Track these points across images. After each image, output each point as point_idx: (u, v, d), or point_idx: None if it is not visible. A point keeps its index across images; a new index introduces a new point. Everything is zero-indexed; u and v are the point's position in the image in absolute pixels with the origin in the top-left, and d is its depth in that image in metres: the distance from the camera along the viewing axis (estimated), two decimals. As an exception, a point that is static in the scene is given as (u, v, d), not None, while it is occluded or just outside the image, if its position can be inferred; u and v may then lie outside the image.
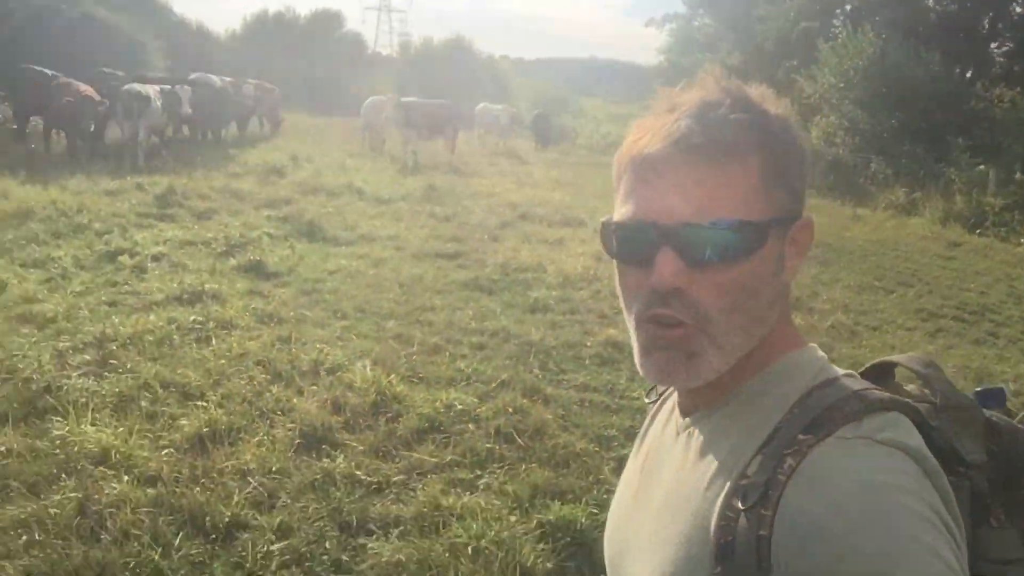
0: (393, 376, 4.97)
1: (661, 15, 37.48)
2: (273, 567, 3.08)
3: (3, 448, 3.77)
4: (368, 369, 5.02)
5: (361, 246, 8.94)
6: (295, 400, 4.60)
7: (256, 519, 3.39)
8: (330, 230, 9.56)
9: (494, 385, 5.09)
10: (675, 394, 0.97)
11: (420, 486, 3.82)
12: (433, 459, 4.08)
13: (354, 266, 7.99)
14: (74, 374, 4.69)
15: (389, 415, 4.54)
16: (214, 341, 5.46)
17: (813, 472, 0.74)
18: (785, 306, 0.90)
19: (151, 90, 14.60)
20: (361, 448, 4.14)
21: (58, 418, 4.08)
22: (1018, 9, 23.17)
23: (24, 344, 5.10)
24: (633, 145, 0.86)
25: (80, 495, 3.38)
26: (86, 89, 14.16)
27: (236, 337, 5.55)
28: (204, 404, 4.37)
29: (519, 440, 4.34)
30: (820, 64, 18.93)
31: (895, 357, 0.94)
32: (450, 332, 6.15)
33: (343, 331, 6.00)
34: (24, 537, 3.14)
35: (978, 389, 0.93)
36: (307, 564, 3.16)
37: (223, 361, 5.08)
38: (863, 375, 0.92)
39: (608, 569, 1.00)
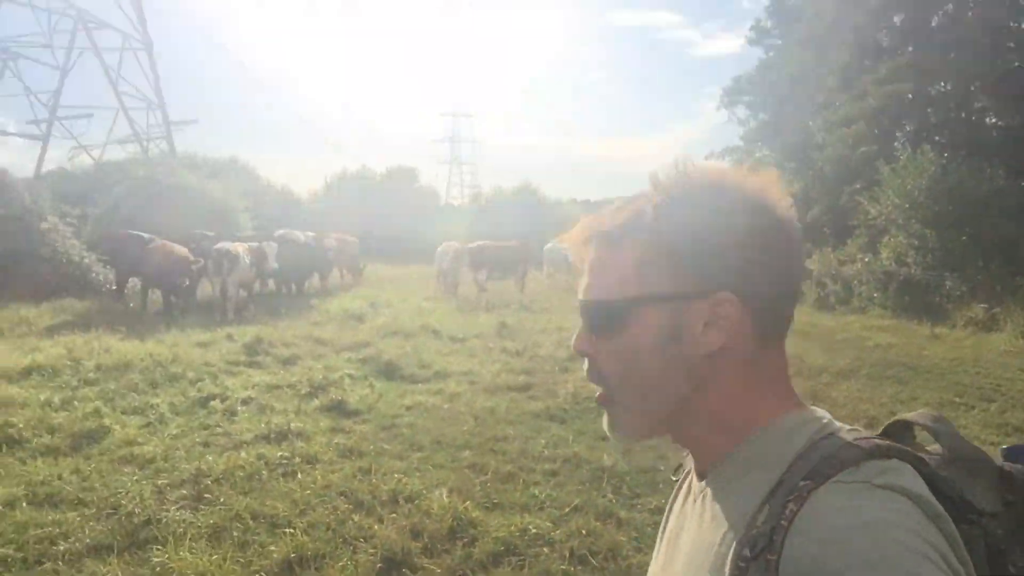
0: (468, 503, 5.14)
1: (720, 149, 38.27)
2: None
3: (109, 574, 4.05)
4: (445, 496, 5.20)
5: (436, 382, 9.26)
6: (376, 527, 4.80)
7: (341, 637, 3.54)
8: (407, 369, 9.93)
9: (568, 509, 5.20)
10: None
11: (497, 606, 3.93)
12: (509, 579, 4.19)
13: (430, 401, 8.28)
14: (172, 508, 5.01)
15: (465, 540, 4.69)
16: (300, 475, 5.75)
17: (813, 515, 0.77)
18: (746, 374, 0.93)
19: (240, 248, 15.64)
20: (439, 571, 4.29)
21: (158, 547, 4.37)
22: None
23: (126, 482, 5.47)
24: (569, 238, 1.02)
25: (179, 616, 3.61)
26: (180, 250, 15.27)
27: (320, 471, 5.83)
28: (292, 531, 4.60)
29: (593, 561, 4.42)
30: (883, 186, 19.09)
31: (908, 415, 0.96)
32: (523, 460, 6.31)
33: (420, 462, 6.22)
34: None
35: (1005, 447, 0.95)
36: None
37: (308, 492, 5.35)
38: (882, 434, 0.95)
39: None
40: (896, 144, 21.85)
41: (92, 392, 8.12)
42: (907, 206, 18.30)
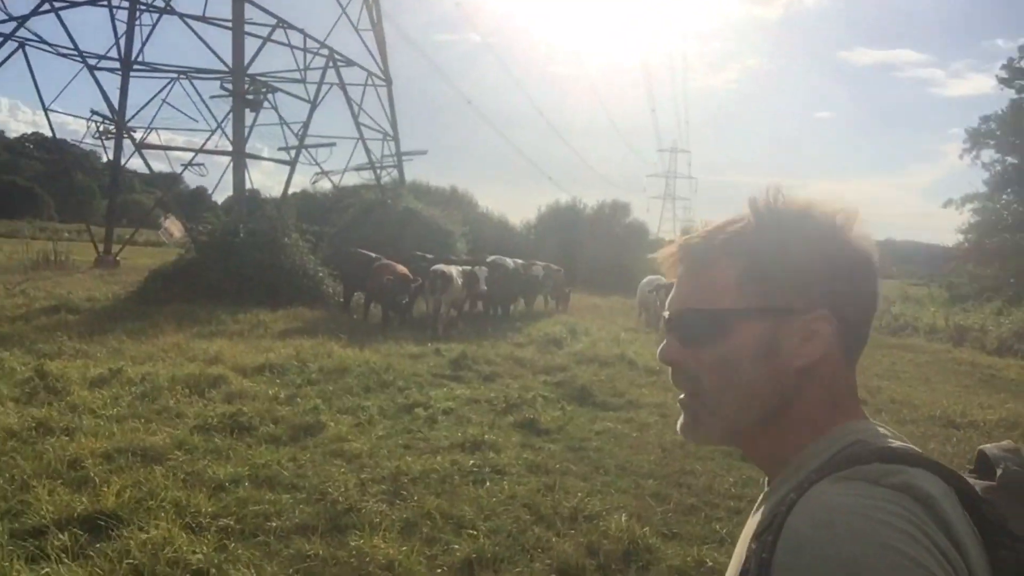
0: (647, 528, 5.17)
1: (960, 195, 35.36)
2: None
3: (311, 552, 4.50)
4: (624, 520, 5.26)
5: (627, 411, 9.31)
6: (554, 540, 4.96)
7: (510, 636, 3.72)
8: (600, 395, 10.05)
9: (748, 547, 5.09)
10: None
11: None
12: (679, 608, 4.19)
13: (619, 428, 8.36)
14: (371, 500, 5.45)
15: (640, 564, 4.73)
16: (488, 483, 6.03)
17: (810, 500, 0.83)
18: (828, 386, 0.99)
19: (454, 270, 16.53)
20: (611, 589, 4.37)
21: (356, 533, 4.78)
22: None
23: (334, 473, 6.00)
24: (664, 254, 1.10)
25: (368, 595, 3.94)
26: (402, 269, 16.37)
27: (507, 482, 6.08)
28: (475, 534, 4.86)
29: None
30: None
31: (985, 446, 1.00)
32: (708, 495, 6.23)
33: (603, 485, 6.32)
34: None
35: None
36: None
37: (494, 500, 5.61)
38: (971, 471, 0.99)
39: None
40: None
41: (313, 391, 8.93)
42: None
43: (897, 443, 0.93)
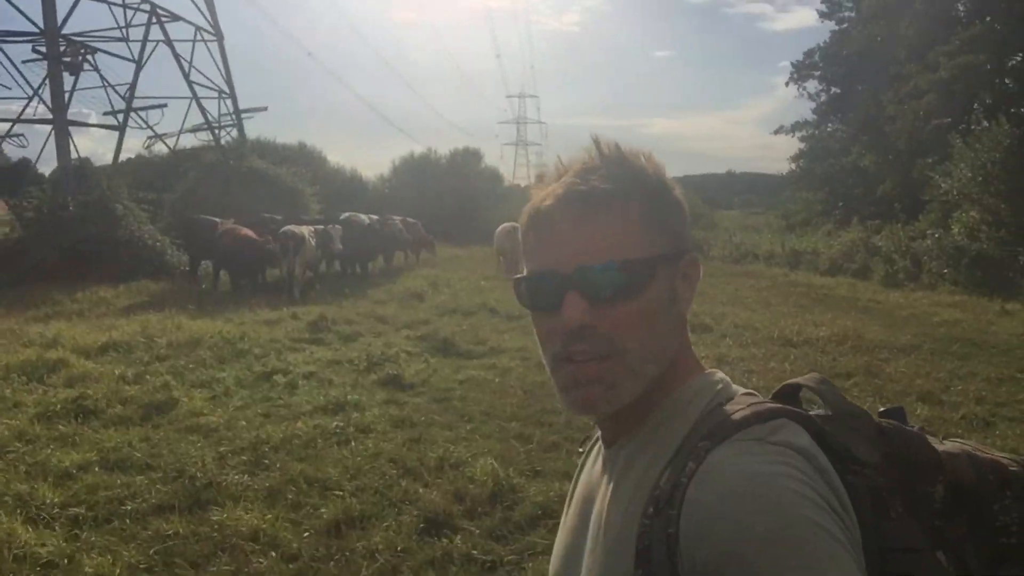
0: (511, 469, 5.31)
1: (791, 124, 37.38)
2: (393, 629, 3.42)
3: (171, 532, 4.36)
4: (489, 463, 5.38)
5: (490, 358, 9.46)
6: (421, 491, 5.02)
7: (381, 589, 3.76)
8: (463, 345, 10.15)
9: (607, 477, 5.32)
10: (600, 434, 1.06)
11: (531, 565, 4.10)
12: (545, 541, 4.34)
13: (482, 376, 8.49)
14: (232, 472, 5.32)
15: (506, 504, 4.86)
16: (353, 443, 6.01)
17: (709, 469, 0.82)
18: (684, 336, 1.00)
19: (305, 230, 16.11)
20: (478, 532, 4.48)
21: (217, 507, 4.67)
22: None
23: (190, 449, 5.81)
24: (531, 207, 0.98)
25: (233, 568, 3.88)
26: (247, 232, 15.78)
27: (372, 440, 6.09)
28: (340, 494, 4.85)
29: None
30: (955, 160, 18.51)
31: (795, 379, 1.00)
32: (568, 431, 6.44)
33: (468, 432, 6.42)
34: (186, 602, 3.64)
35: (881, 409, 1.00)
36: (424, 628, 3.48)
37: (359, 459, 5.60)
38: (772, 398, 0.99)
39: None
40: (970, 117, 21.13)
41: (163, 367, 8.56)
42: (980, 179, 17.74)
43: (754, 399, 0.94)
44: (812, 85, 39.05)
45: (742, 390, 0.97)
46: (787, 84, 39.53)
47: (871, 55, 29.96)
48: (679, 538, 0.79)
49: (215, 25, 27.29)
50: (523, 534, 4.48)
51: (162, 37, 23.66)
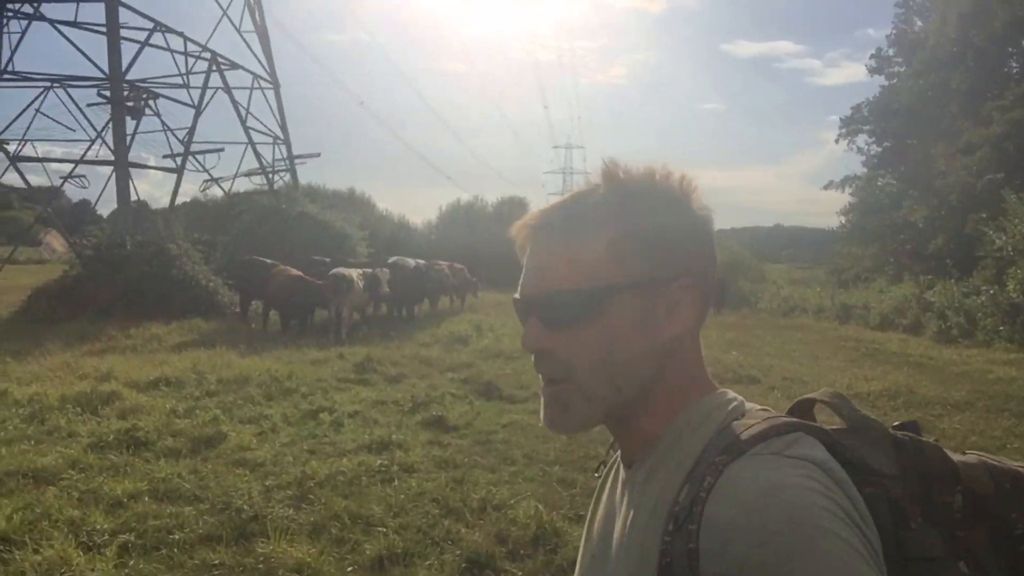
0: (554, 513, 5.29)
1: (841, 178, 37.13)
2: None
3: (217, 561, 4.42)
4: (532, 506, 5.37)
5: (533, 403, 9.43)
6: (464, 531, 5.02)
7: (422, 626, 3.76)
8: (506, 389, 10.17)
9: (651, 523, 5.27)
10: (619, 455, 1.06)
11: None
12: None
13: (525, 420, 8.47)
14: (277, 506, 5.38)
15: (548, 547, 4.84)
16: (396, 482, 6.04)
17: (728, 484, 0.82)
18: (689, 359, 1.00)
19: (354, 273, 16.36)
20: (520, 574, 4.45)
21: (263, 540, 4.72)
22: None
23: (237, 482, 5.89)
24: (514, 231, 1.02)
25: (277, 599, 3.92)
26: (297, 274, 16.08)
27: (416, 479, 6.11)
28: (383, 531, 4.87)
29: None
30: (1009, 215, 18.19)
31: (810, 395, 1.01)
32: (613, 477, 6.40)
33: (511, 475, 6.41)
34: (231, 631, 3.68)
35: (895, 424, 1.00)
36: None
37: (403, 498, 5.62)
38: (788, 413, 1.00)
39: None
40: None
41: (212, 403, 8.71)
42: (1036, 235, 17.38)
43: (769, 413, 0.94)
44: (862, 139, 38.93)
45: (757, 406, 0.97)
46: (837, 141, 39.41)
47: (922, 109, 29.79)
48: (699, 553, 0.80)
49: (272, 73, 28.20)
50: (565, 577, 4.45)
51: (221, 84, 24.48)
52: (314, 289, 15.66)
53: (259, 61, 27.66)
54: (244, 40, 27.21)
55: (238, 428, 7.62)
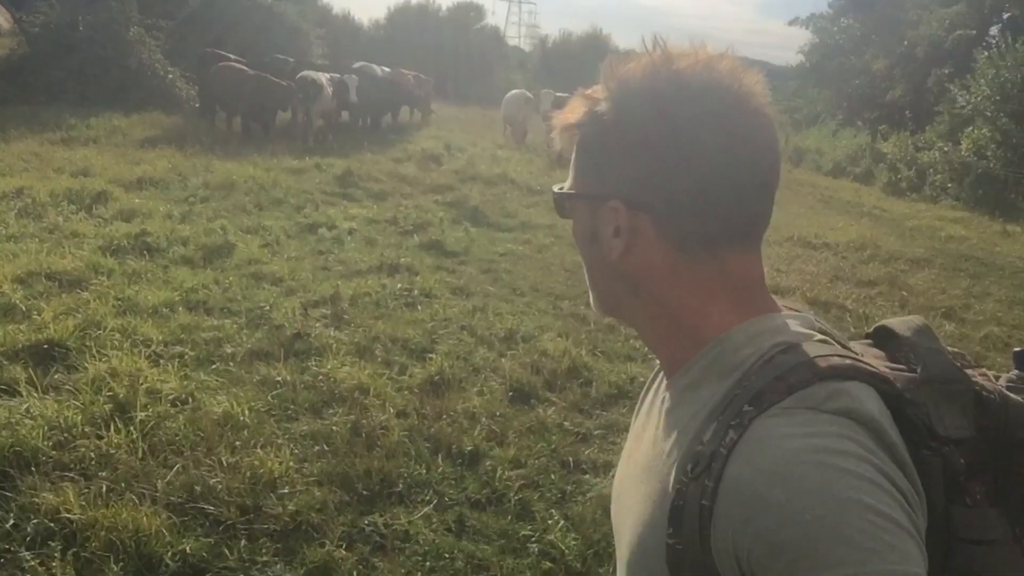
0: (581, 349, 5.61)
1: (807, 14, 36.47)
2: (515, 488, 3.76)
3: (279, 378, 4.61)
4: (559, 341, 5.67)
5: (523, 232, 9.64)
6: (501, 360, 5.31)
7: (493, 451, 4.09)
8: (492, 216, 10.30)
9: (669, 363, 5.65)
10: None
11: (619, 440, 4.44)
12: (626, 419, 4.68)
13: (520, 250, 8.70)
14: (317, 324, 5.55)
15: (581, 380, 5.18)
16: (419, 307, 6.25)
17: (753, 443, 0.74)
18: (701, 280, 0.87)
19: (323, 77, 15.75)
20: (563, 405, 4.80)
21: (315, 358, 4.93)
22: None
23: (267, 297, 6.01)
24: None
25: (353, 417, 4.17)
26: (259, 73, 15.17)
27: (439, 305, 6.32)
28: (432, 357, 5.12)
29: (699, 410, 4.88)
30: (975, 75, 18.47)
31: (891, 321, 0.92)
32: (621, 314, 6.73)
33: (525, 306, 6.69)
34: (316, 447, 3.94)
35: (1018, 349, 0.92)
36: (540, 489, 3.83)
37: (433, 323, 5.85)
38: (867, 337, 0.94)
39: (614, 532, 1.01)
40: (993, 31, 20.89)
41: (208, 209, 8.63)
42: (998, 98, 17.77)
43: (823, 350, 0.81)
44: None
45: (817, 335, 0.84)
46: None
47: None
48: (714, 513, 0.74)
49: None
50: (603, 410, 4.81)
51: None
52: (280, 90, 14.99)
53: None
54: None
55: (243, 239, 7.63)
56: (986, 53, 18.41)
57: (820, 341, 0.83)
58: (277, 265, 6.91)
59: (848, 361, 0.78)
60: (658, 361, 0.96)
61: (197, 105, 16.72)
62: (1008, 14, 23.19)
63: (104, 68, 15.99)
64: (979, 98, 18.18)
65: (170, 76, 17.17)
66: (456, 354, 5.31)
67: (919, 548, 0.68)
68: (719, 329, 0.86)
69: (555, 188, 0.96)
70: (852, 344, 0.90)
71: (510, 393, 4.83)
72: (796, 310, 0.92)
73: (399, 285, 6.65)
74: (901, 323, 0.90)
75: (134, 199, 8.54)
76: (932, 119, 20.85)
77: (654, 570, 0.81)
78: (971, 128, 18.49)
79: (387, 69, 20.04)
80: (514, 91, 20.85)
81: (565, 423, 4.54)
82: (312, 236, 8.23)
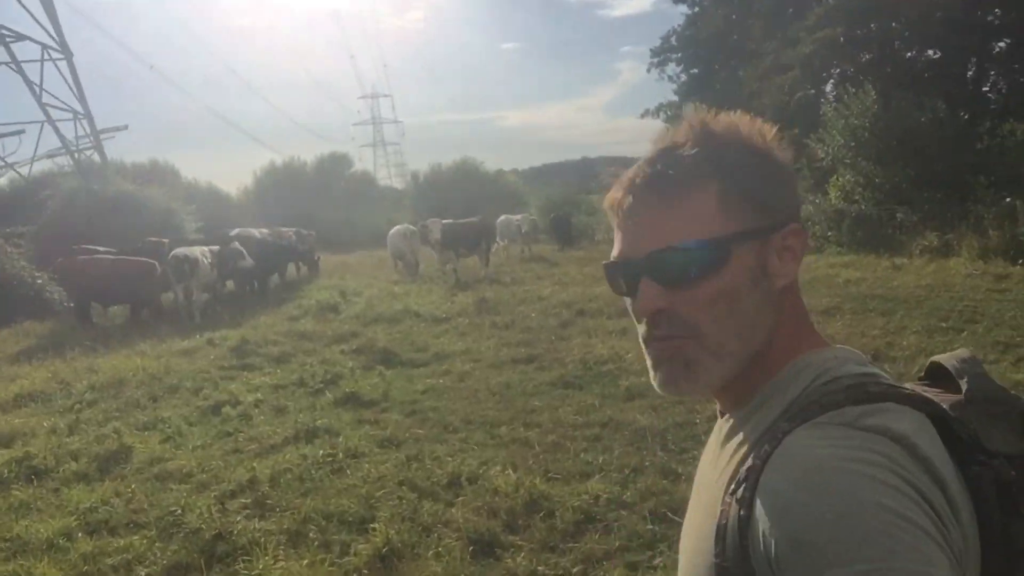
0: (533, 477, 5.16)
1: (655, 105, 38.58)
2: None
3: (205, 594, 3.97)
4: (508, 474, 5.21)
5: (439, 363, 9.23)
6: (450, 511, 4.80)
7: (468, 622, 3.56)
8: (404, 354, 9.87)
9: (628, 471, 5.27)
10: None
11: (602, 574, 3.98)
12: (602, 547, 4.24)
13: (441, 383, 8.26)
14: (238, 519, 4.91)
15: (543, 513, 4.71)
16: (348, 471, 5.69)
17: (784, 453, 0.78)
18: (793, 310, 0.95)
19: (198, 251, 15.24)
20: (531, 546, 4.31)
21: (243, 559, 4.30)
22: (1001, 46, 24.02)
23: (177, 498, 5.34)
24: (610, 195, 0.98)
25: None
26: (141, 262, 14.74)
27: (368, 464, 5.78)
28: (374, 527, 4.56)
29: (675, 518, 4.49)
30: (827, 127, 19.55)
31: (939, 357, 0.96)
32: (561, 429, 6.35)
33: (461, 443, 6.21)
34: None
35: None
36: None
37: (367, 487, 5.30)
38: (923, 377, 0.98)
39: None
40: (828, 87, 22.33)
41: (96, 413, 7.88)
42: (853, 144, 18.79)
43: (862, 370, 0.88)
44: (672, 68, 40.42)
45: (861, 369, 0.89)
46: (648, 71, 40.69)
47: (727, 34, 31.30)
48: (750, 523, 0.77)
49: (62, 43, 25.34)
50: (574, 541, 4.35)
51: (7, 59, 21.78)
52: (144, 266, 14.39)
53: (45, 30, 24.76)
54: (25, 7, 24.21)
55: (141, 437, 6.93)
56: (833, 106, 19.54)
57: (864, 373, 0.87)
58: (183, 459, 6.25)
59: (888, 386, 0.83)
60: (718, 403, 1.01)
61: (71, 305, 15.82)
62: (837, 70, 25.03)
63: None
64: (835, 148, 19.18)
65: (39, 282, 16.26)
66: (400, 516, 4.77)
67: (947, 557, 0.68)
68: (792, 356, 0.92)
69: (689, 243, 0.90)
70: (905, 384, 0.92)
71: (470, 548, 4.32)
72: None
73: (321, 452, 6.07)
74: (949, 357, 0.94)
75: (13, 420, 7.70)
76: (797, 176, 21.88)
77: None
78: (835, 176, 19.40)
79: (265, 230, 19.67)
80: (397, 227, 20.85)
81: (538, 568, 4.06)
82: (216, 418, 7.57)
